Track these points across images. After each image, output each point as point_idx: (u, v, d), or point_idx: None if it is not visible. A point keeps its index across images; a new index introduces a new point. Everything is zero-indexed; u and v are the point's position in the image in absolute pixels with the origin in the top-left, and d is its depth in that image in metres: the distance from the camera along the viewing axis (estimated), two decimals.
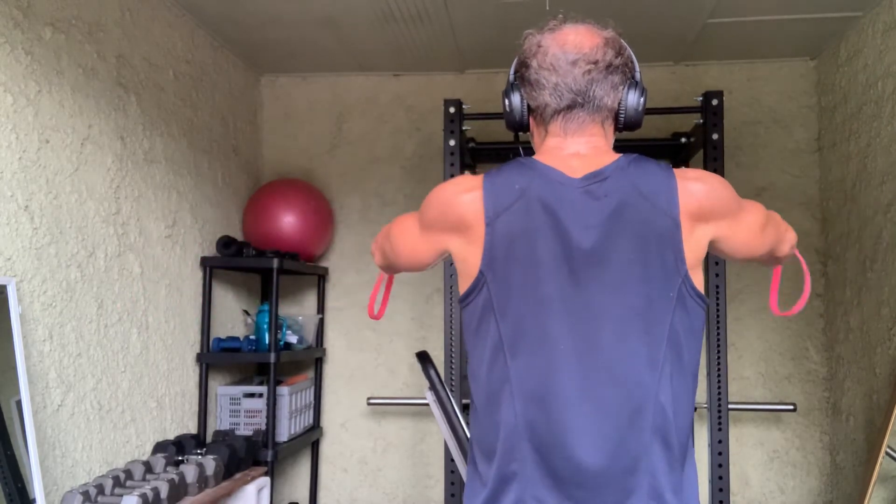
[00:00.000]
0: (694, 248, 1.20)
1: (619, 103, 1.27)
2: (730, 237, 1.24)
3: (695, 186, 1.20)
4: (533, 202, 1.19)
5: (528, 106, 1.30)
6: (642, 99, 1.27)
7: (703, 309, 1.22)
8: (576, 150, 1.25)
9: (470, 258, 1.22)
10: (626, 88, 1.26)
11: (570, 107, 1.25)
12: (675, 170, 1.23)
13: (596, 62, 1.23)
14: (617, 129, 1.31)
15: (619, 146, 1.32)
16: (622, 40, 1.29)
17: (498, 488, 1.19)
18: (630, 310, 1.16)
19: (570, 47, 1.24)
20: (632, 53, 1.30)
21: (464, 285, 1.25)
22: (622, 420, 1.15)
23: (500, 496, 1.19)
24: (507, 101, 1.31)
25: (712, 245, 1.25)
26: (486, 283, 1.20)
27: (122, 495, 2.09)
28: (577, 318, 1.17)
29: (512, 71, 1.32)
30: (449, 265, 2.75)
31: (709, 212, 1.20)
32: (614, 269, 1.17)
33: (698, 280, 1.21)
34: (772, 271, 1.53)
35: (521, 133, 1.37)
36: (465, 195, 1.23)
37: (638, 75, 1.29)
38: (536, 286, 1.18)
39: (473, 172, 3.25)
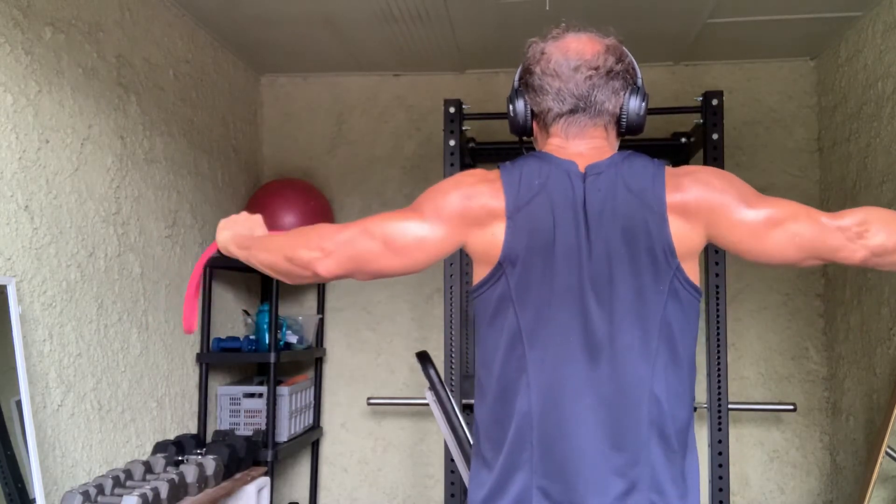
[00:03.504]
0: (685, 241, 1.21)
1: (621, 108, 1.29)
2: (725, 235, 1.22)
3: (683, 181, 1.22)
4: (553, 196, 1.21)
5: (532, 111, 1.32)
6: (643, 104, 1.30)
7: (698, 300, 1.24)
8: (577, 151, 1.28)
9: (489, 249, 1.23)
10: (627, 94, 1.29)
11: (573, 111, 1.28)
12: (672, 168, 1.25)
13: (597, 68, 1.26)
14: (619, 133, 1.33)
15: (619, 146, 1.34)
16: (624, 48, 1.31)
17: (504, 476, 1.21)
18: (623, 303, 1.19)
19: (572, 54, 1.27)
20: (633, 60, 1.32)
21: (479, 276, 1.26)
22: (621, 413, 1.18)
23: (506, 484, 1.21)
24: (511, 107, 1.34)
25: (717, 244, 1.26)
26: (505, 274, 1.22)
27: (122, 495, 2.09)
28: (583, 311, 1.20)
29: (516, 78, 1.35)
30: (450, 265, 2.75)
31: (695, 206, 1.20)
32: (608, 264, 1.20)
33: (693, 272, 1.22)
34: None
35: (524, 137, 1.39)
36: (485, 186, 1.24)
37: (640, 81, 1.31)
38: (553, 278, 1.20)
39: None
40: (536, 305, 1.21)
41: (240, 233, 1.43)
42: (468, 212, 1.24)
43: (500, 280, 1.23)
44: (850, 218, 1.23)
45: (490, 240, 1.23)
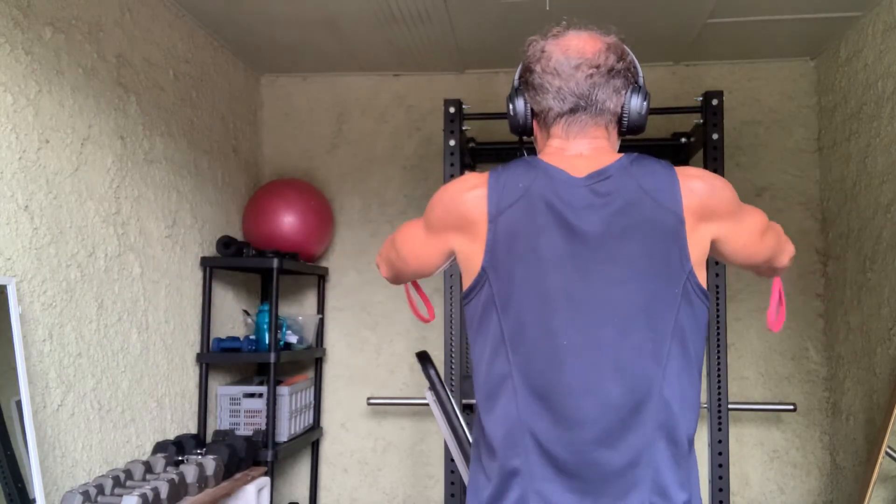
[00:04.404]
0: (697, 245, 1.21)
1: (622, 107, 1.28)
2: (730, 238, 1.25)
3: (697, 184, 1.21)
4: (536, 200, 1.20)
5: (532, 110, 1.32)
6: (645, 103, 1.29)
7: (707, 307, 1.23)
8: (578, 151, 1.27)
9: (473, 255, 1.24)
10: (628, 93, 1.28)
11: (573, 110, 1.27)
12: (676, 168, 1.24)
13: (598, 66, 1.26)
14: (620, 132, 1.32)
15: (619, 146, 1.34)
16: (625, 46, 1.31)
17: (502, 484, 1.20)
18: (634, 305, 1.18)
19: (572, 52, 1.27)
20: (635, 59, 1.31)
21: (466, 282, 1.27)
22: (625, 414, 1.16)
23: (504, 492, 1.20)
24: (511, 106, 1.34)
25: (713, 246, 1.26)
26: (488, 279, 1.22)
27: (122, 495, 2.09)
28: (582, 313, 1.18)
29: (516, 76, 1.35)
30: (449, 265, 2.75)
31: (710, 210, 1.21)
32: (619, 265, 1.18)
33: (702, 278, 1.22)
34: (771, 283, 1.52)
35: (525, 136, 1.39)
36: (469, 193, 1.24)
37: (641, 80, 1.31)
38: (539, 282, 1.19)
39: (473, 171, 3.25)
40: (519, 310, 1.20)
41: None
42: (448, 221, 1.26)
43: (484, 287, 1.22)
44: (779, 225, 1.40)
45: (472, 246, 1.23)
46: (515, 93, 1.33)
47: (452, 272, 2.75)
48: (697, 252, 1.21)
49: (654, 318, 1.18)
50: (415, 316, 1.64)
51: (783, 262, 1.41)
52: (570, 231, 1.19)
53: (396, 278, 1.50)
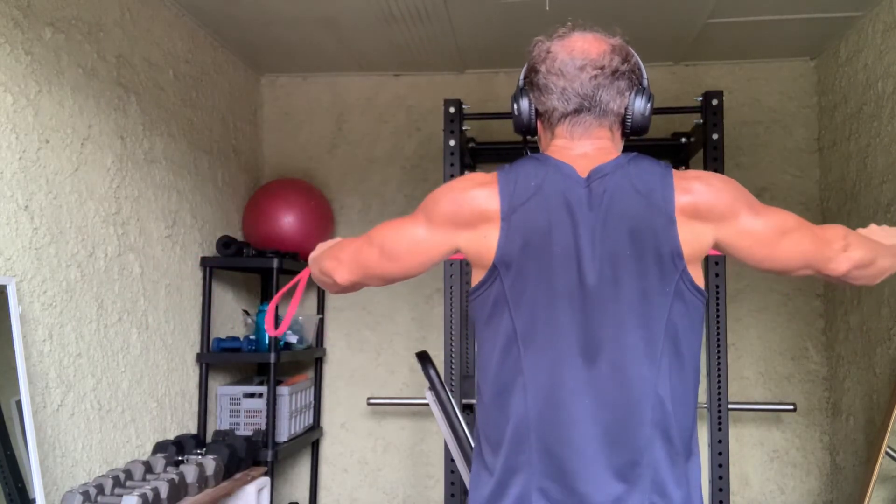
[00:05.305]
0: (692, 244, 1.20)
1: (626, 108, 1.29)
2: (735, 240, 1.23)
3: (693, 185, 1.21)
4: (549, 198, 1.21)
5: (537, 110, 1.32)
6: (649, 105, 1.29)
7: (702, 303, 1.23)
8: (582, 151, 1.28)
9: (483, 252, 1.23)
10: (632, 94, 1.29)
11: (577, 111, 1.27)
12: (677, 170, 1.25)
13: (602, 67, 1.26)
14: (624, 133, 1.33)
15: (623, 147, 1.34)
16: (630, 48, 1.31)
17: (504, 479, 1.21)
18: (627, 305, 1.18)
19: (577, 53, 1.27)
20: (639, 60, 1.32)
21: (476, 279, 1.27)
22: (623, 414, 1.17)
23: (507, 487, 1.21)
24: (515, 106, 1.34)
25: (722, 249, 1.25)
26: (500, 276, 1.22)
27: (122, 495, 2.09)
28: (583, 312, 1.19)
29: (521, 76, 1.35)
30: (449, 265, 2.75)
31: (706, 210, 1.21)
32: (613, 265, 1.19)
33: (697, 275, 1.22)
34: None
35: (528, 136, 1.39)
36: (479, 190, 1.24)
37: (645, 82, 1.32)
38: (550, 280, 1.20)
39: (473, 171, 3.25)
40: (531, 307, 1.20)
41: (316, 253, 1.53)
42: (457, 216, 1.25)
43: (495, 282, 1.23)
44: (834, 232, 1.29)
45: (483, 243, 1.23)
46: (520, 93, 1.33)
47: (452, 272, 2.74)
48: (692, 251, 1.20)
49: (646, 317, 1.18)
50: (270, 325, 1.61)
51: (837, 269, 1.26)
52: (576, 230, 1.20)
53: (361, 283, 1.39)
